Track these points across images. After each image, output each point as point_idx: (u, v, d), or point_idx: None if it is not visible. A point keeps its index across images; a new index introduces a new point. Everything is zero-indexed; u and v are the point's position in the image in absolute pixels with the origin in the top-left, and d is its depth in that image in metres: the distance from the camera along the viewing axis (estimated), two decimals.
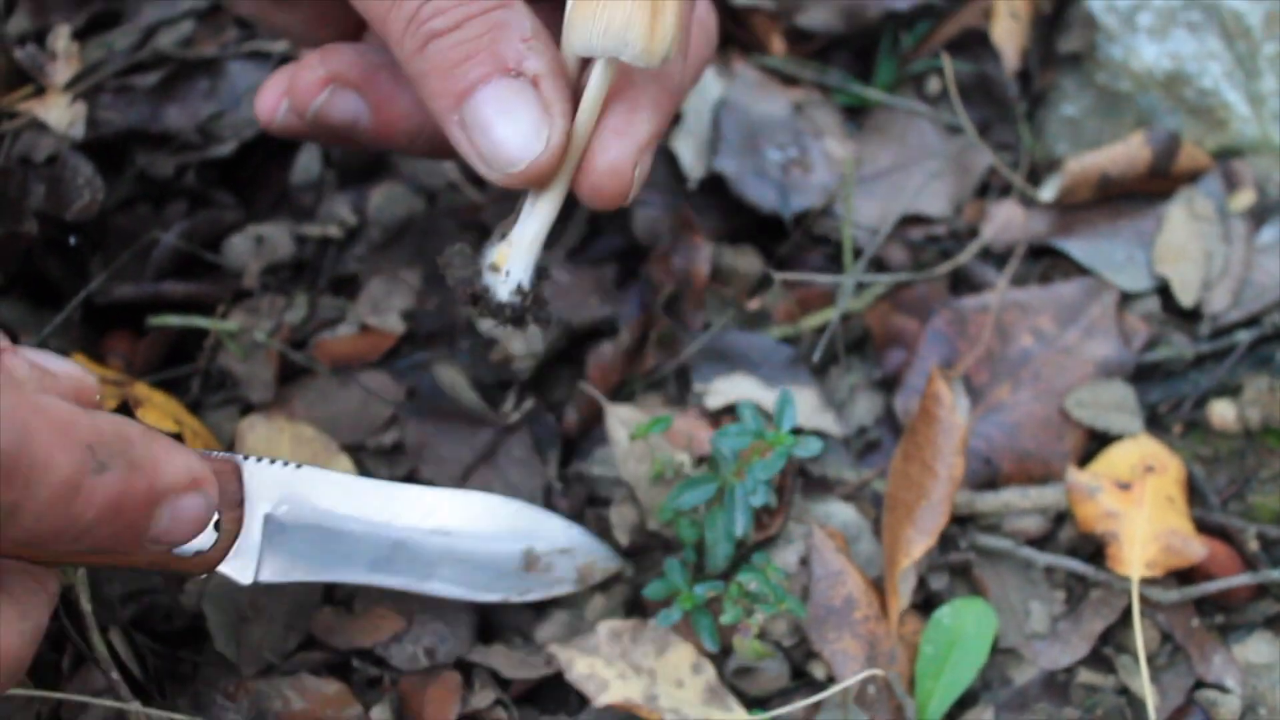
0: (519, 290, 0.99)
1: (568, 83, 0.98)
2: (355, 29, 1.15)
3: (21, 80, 1.30)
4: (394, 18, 0.98)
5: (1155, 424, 1.26)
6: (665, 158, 1.39)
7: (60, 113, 1.28)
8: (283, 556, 1.00)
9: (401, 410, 1.22)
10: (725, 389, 1.23)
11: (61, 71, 1.30)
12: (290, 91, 1.09)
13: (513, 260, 0.99)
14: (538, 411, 1.24)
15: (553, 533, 1.11)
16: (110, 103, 1.34)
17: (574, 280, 1.31)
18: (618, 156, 0.98)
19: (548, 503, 1.19)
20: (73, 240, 1.21)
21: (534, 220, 0.99)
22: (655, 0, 0.93)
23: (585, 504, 1.19)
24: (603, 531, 1.16)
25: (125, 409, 1.12)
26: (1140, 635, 1.12)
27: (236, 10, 1.22)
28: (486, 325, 1.22)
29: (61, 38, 1.30)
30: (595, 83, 0.97)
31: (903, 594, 1.11)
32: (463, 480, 1.20)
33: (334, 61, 1.08)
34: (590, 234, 1.37)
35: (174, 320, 1.23)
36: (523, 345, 1.24)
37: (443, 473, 1.20)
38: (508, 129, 0.96)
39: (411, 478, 1.20)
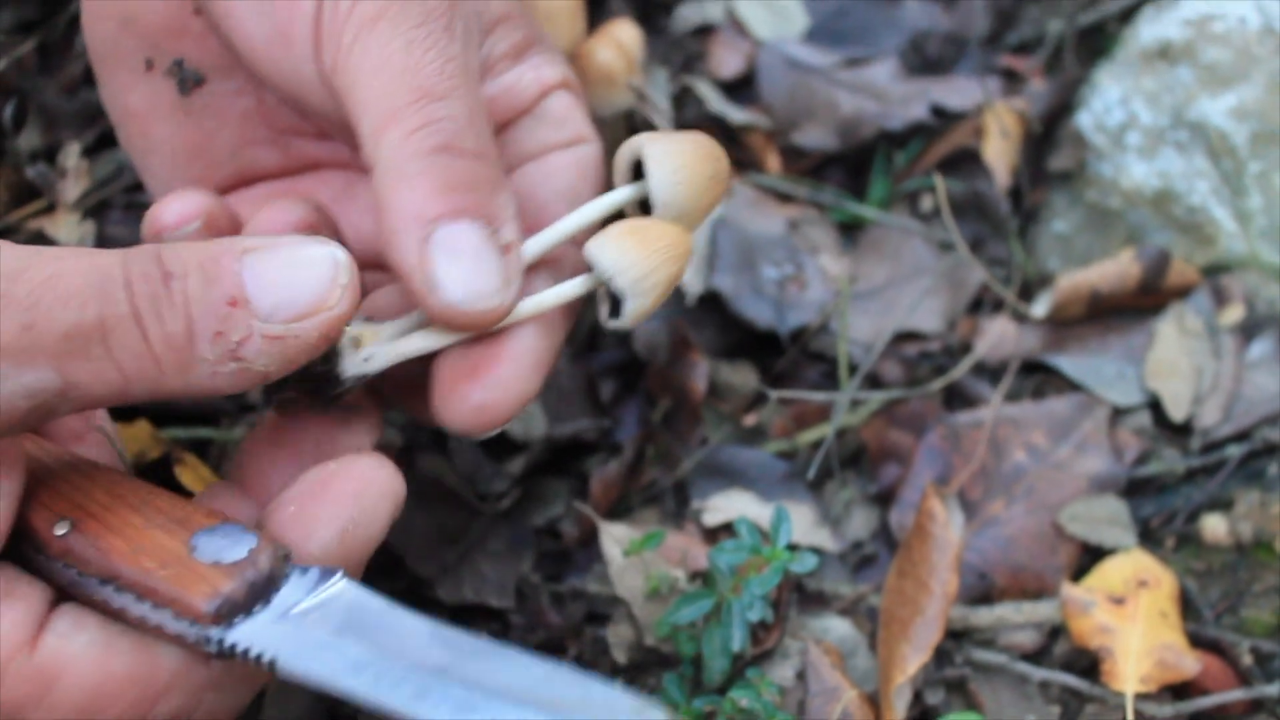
0: (360, 379, 0.95)
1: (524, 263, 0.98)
2: (240, 175, 1.13)
3: (31, 196, 1.32)
4: (411, 113, 0.94)
5: (1148, 538, 1.27)
6: None
7: (70, 230, 1.29)
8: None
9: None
10: (722, 506, 1.24)
11: (71, 188, 1.31)
12: (153, 214, 1.02)
13: (377, 356, 0.95)
14: (519, 509, 1.25)
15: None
16: (119, 219, 1.36)
17: (563, 390, 1.32)
18: (504, 400, 0.97)
19: (520, 599, 1.20)
20: None
21: (416, 342, 0.97)
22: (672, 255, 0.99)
23: (583, 621, 1.20)
24: (600, 650, 1.17)
25: (167, 461, 1.12)
26: None
27: (115, 109, 1.13)
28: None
29: (71, 155, 1.32)
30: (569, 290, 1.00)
31: (898, 709, 1.12)
32: (449, 572, 1.21)
33: (300, 208, 1.03)
34: (589, 347, 1.39)
35: (180, 433, 1.24)
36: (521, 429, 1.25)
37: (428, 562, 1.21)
38: (473, 269, 0.93)
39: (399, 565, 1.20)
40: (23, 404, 0.82)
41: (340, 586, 0.85)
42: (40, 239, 1.27)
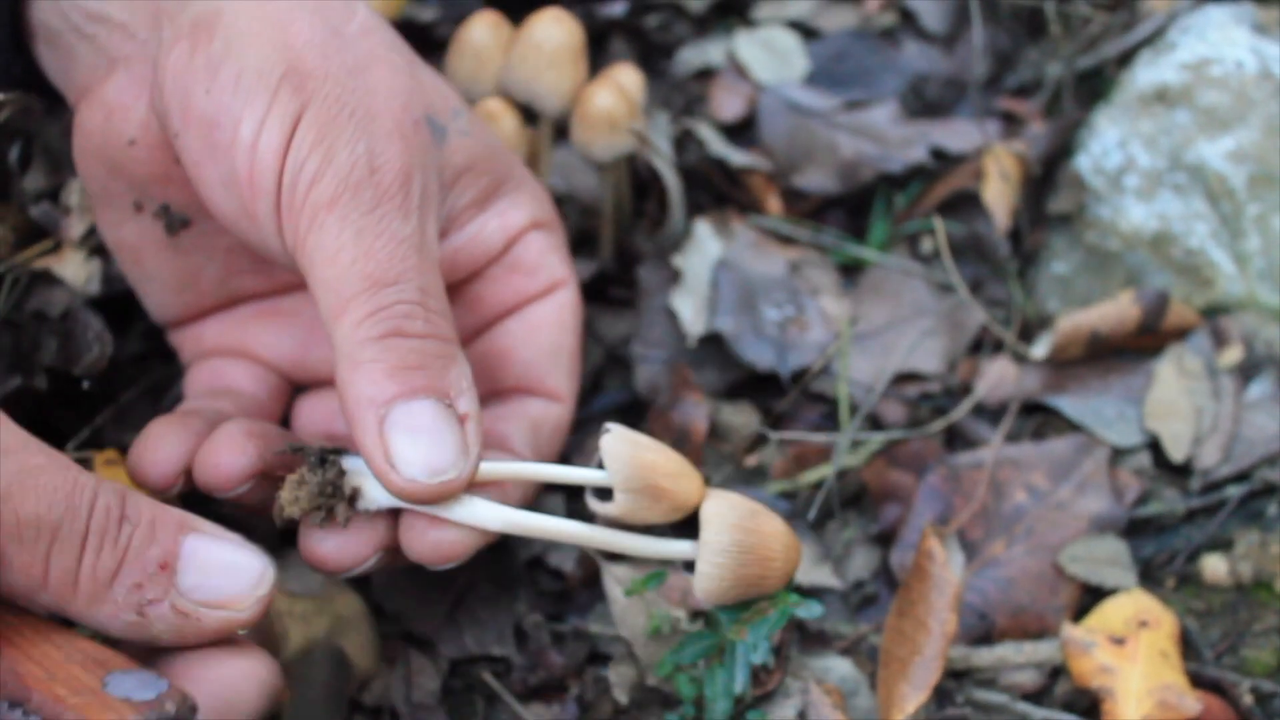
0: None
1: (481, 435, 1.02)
2: (229, 298, 1.19)
3: (36, 236, 1.32)
4: (361, 302, 0.99)
5: (1148, 578, 1.28)
6: (666, 315, 1.42)
7: (76, 269, 1.30)
8: None
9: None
10: None
11: (75, 227, 1.32)
12: (204, 470, 1.05)
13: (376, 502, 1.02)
14: (511, 554, 1.25)
15: None
16: None
17: None
18: (459, 543, 1.03)
19: (520, 639, 1.21)
20: (86, 385, 1.22)
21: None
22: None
23: (585, 661, 1.20)
24: (601, 690, 1.17)
25: None
26: None
27: (110, 238, 1.18)
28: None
29: (75, 193, 1.33)
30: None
31: None
32: (448, 624, 1.21)
33: (259, 443, 1.06)
34: (593, 388, 1.40)
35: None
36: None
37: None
38: (431, 445, 0.98)
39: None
40: None
41: None
42: (48, 278, 1.28)
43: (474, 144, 1.13)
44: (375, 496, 1.02)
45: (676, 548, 1.05)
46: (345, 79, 1.02)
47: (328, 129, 1.00)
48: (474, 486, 1.02)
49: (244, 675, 0.93)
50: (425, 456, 0.97)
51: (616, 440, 1.03)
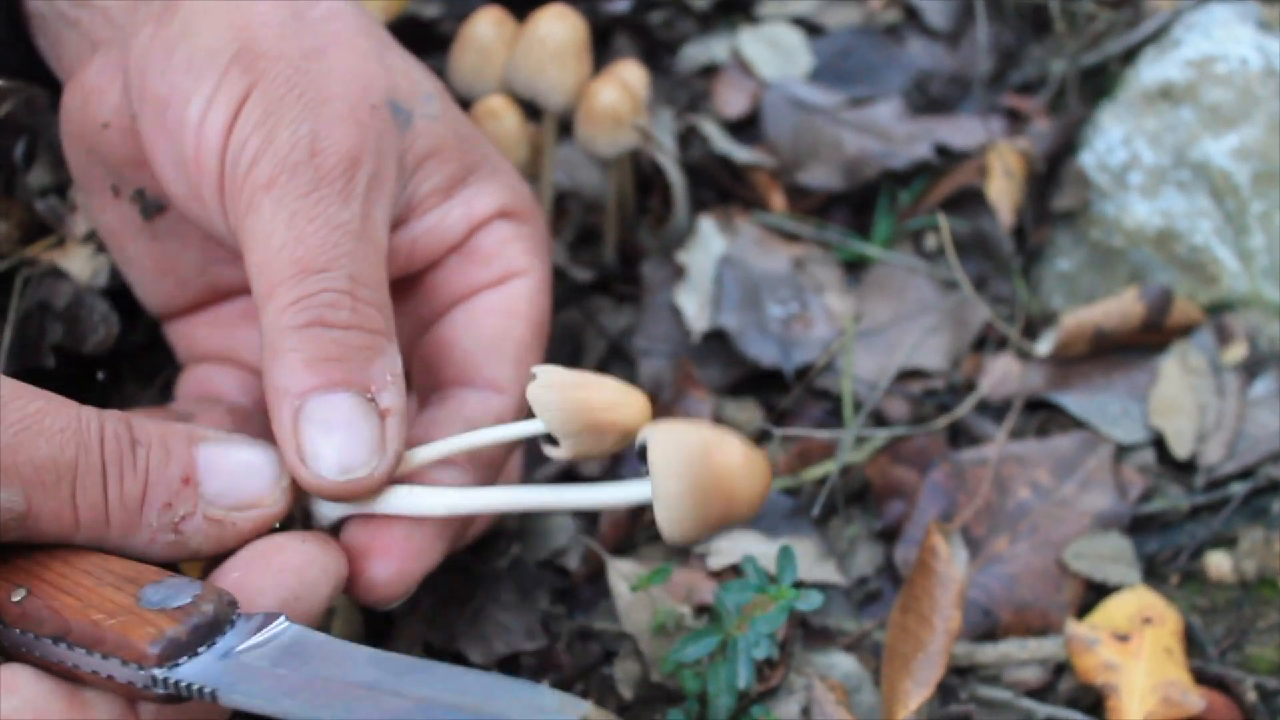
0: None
1: (406, 431, 0.98)
2: (212, 290, 1.17)
3: (41, 231, 1.32)
4: (287, 288, 0.96)
5: (1152, 575, 1.28)
6: (670, 311, 1.42)
7: (83, 263, 1.30)
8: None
9: None
10: (726, 549, 1.24)
11: (80, 223, 1.32)
12: None
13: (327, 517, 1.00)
14: (522, 558, 1.25)
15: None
16: None
17: None
18: (400, 578, 0.98)
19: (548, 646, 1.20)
20: (100, 375, 1.22)
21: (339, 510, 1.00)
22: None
23: (596, 659, 1.20)
24: (606, 688, 1.17)
25: None
26: None
27: (94, 223, 1.18)
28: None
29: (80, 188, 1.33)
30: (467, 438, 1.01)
31: None
32: (472, 632, 1.21)
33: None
34: None
35: None
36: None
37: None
38: (344, 440, 0.94)
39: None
40: None
41: (282, 627, 0.88)
42: (55, 273, 1.28)
43: (442, 129, 1.09)
44: (325, 512, 0.99)
45: (634, 492, 0.98)
46: (299, 61, 1.01)
47: (272, 110, 0.99)
48: (422, 476, 0.99)
49: (309, 562, 0.92)
50: (338, 452, 0.94)
51: (543, 388, 0.97)
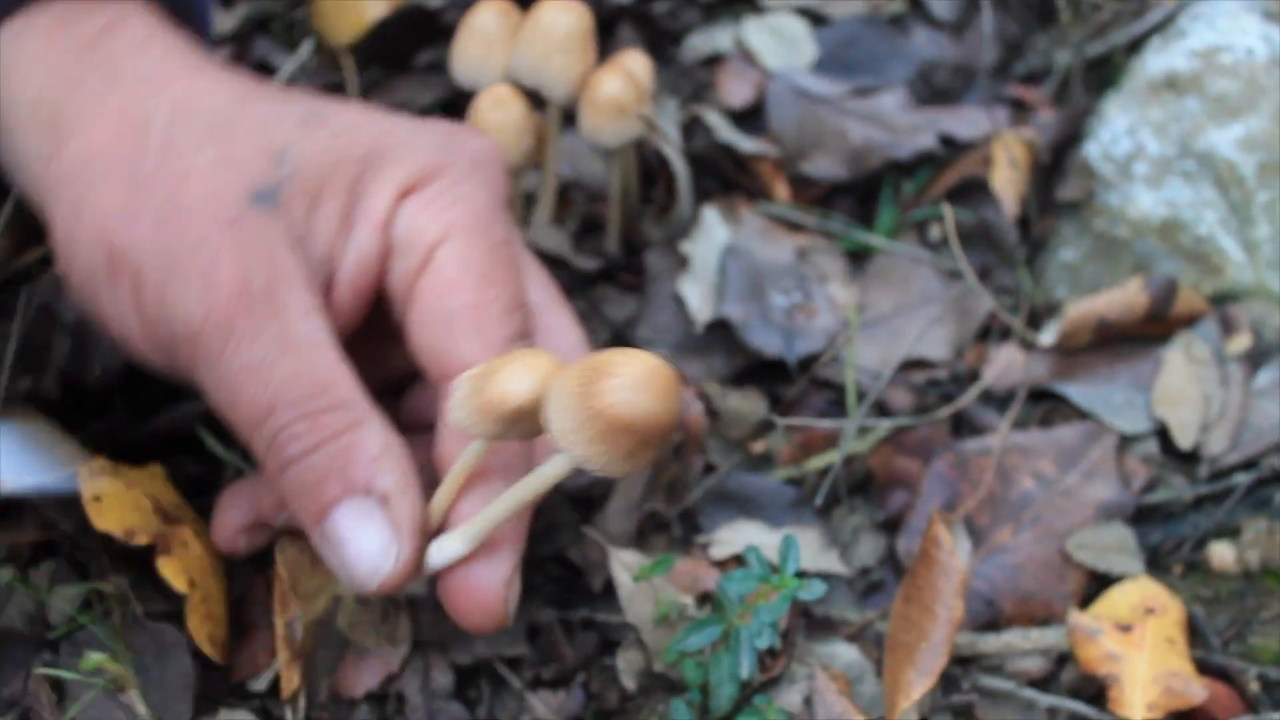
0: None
1: (417, 495, 1.02)
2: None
3: (36, 239, 1.32)
4: (257, 440, 1.02)
5: (1155, 565, 1.28)
6: (673, 301, 1.42)
7: None
8: None
9: None
10: (729, 538, 1.24)
11: None
12: (215, 535, 1.15)
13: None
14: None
15: None
16: None
17: None
18: (490, 598, 1.04)
19: (532, 635, 1.21)
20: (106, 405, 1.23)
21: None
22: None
23: (595, 649, 1.20)
24: (608, 678, 1.17)
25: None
26: None
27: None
28: None
29: None
30: (462, 461, 1.02)
31: None
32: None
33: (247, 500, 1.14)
34: None
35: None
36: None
37: None
38: (359, 548, 1.00)
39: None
40: None
41: None
42: (55, 278, 1.29)
43: (313, 170, 1.06)
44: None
45: (552, 470, 0.97)
46: (158, 251, 1.03)
47: (159, 303, 1.02)
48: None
49: None
50: (359, 560, 1.00)
51: (455, 409, 0.97)
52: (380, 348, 1.14)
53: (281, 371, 1.00)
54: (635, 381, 0.90)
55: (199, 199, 1.03)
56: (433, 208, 1.07)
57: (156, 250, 1.02)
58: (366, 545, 1.00)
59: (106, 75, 1.07)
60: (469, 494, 1.04)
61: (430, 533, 1.03)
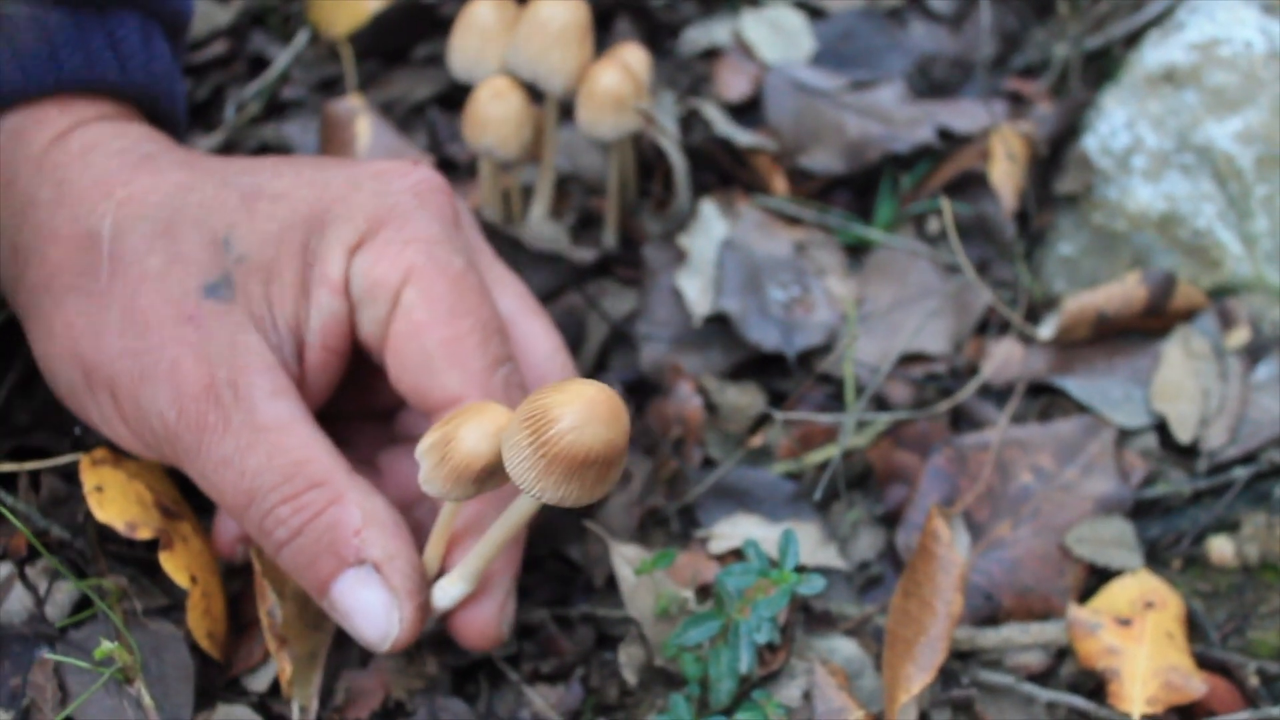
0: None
1: (409, 554, 1.07)
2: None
3: None
4: (247, 525, 1.07)
5: (1154, 560, 1.28)
6: (671, 295, 1.42)
7: None
8: None
9: None
10: (728, 533, 1.24)
11: None
12: (214, 545, 1.18)
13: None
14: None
15: None
16: None
17: None
18: (491, 629, 1.11)
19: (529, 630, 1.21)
20: (77, 430, 1.23)
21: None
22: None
23: (595, 644, 1.20)
24: (609, 673, 1.17)
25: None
26: None
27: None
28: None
29: None
30: (444, 515, 1.07)
31: None
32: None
33: None
34: (598, 366, 1.40)
35: None
36: None
37: None
38: (364, 617, 1.06)
39: None
40: None
41: None
42: None
43: (258, 244, 1.08)
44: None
45: (525, 506, 1.01)
46: (126, 360, 1.06)
47: (136, 409, 1.07)
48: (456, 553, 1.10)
49: None
50: (366, 627, 1.06)
51: (424, 483, 1.01)
52: (370, 378, 1.17)
53: (255, 460, 1.04)
54: (580, 419, 0.92)
55: (155, 303, 1.07)
56: (387, 255, 1.09)
57: (124, 359, 1.06)
58: (371, 613, 1.05)
59: (55, 189, 1.11)
60: (461, 538, 1.10)
61: (431, 579, 1.09)
